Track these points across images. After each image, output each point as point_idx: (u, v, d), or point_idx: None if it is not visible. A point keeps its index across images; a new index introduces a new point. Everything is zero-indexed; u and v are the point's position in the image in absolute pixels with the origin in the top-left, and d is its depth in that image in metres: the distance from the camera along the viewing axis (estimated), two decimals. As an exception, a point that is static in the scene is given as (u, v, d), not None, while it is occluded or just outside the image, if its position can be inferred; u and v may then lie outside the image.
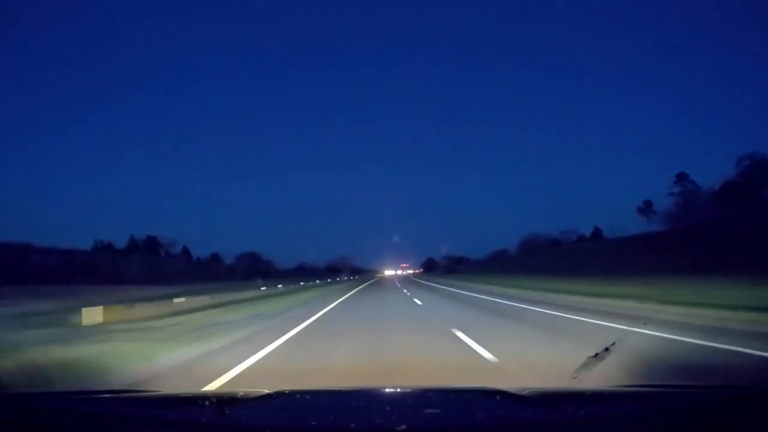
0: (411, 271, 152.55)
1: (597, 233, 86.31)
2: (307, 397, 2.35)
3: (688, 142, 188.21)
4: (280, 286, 41.57)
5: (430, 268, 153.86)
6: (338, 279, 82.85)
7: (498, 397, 2.13)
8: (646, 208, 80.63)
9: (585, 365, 4.43)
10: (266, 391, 2.23)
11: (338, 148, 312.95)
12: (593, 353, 4.64)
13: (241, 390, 2.47)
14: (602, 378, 4.53)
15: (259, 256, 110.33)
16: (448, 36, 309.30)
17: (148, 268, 65.28)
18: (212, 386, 5.56)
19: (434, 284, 50.40)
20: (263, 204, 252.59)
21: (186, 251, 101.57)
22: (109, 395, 2.47)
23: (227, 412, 1.84)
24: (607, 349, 4.87)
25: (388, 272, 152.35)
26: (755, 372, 5.95)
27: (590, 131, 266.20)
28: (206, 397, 2.34)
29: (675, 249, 40.11)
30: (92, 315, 14.96)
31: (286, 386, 2.59)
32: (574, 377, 4.17)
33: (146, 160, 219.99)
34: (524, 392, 2.11)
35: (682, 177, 70.93)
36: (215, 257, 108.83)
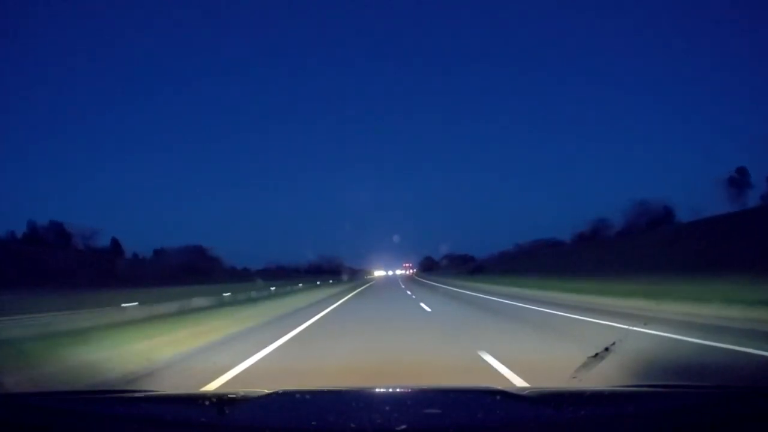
0: (411, 272, 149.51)
1: (668, 215, 61.60)
2: (307, 397, 2.35)
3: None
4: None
5: (429, 267, 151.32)
6: (332, 281, 66.67)
7: (498, 397, 2.14)
8: (740, 178, 58.45)
9: (585, 365, 4.40)
10: (266, 391, 2.23)
11: (328, 146, 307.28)
12: None
13: (241, 390, 2.47)
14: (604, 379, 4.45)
15: (204, 251, 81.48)
16: (446, 35, 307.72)
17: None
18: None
19: (509, 300, 21.29)
20: (251, 203, 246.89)
21: (116, 245, 76.54)
22: (109, 395, 2.48)
23: (227, 412, 1.85)
24: (607, 349, 4.79)
25: (378, 272, 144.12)
26: None
27: (631, 92, 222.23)
28: (206, 397, 2.34)
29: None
30: None
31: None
32: (574, 377, 4.15)
33: (135, 158, 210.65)
34: (524, 392, 2.12)
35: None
36: (159, 253, 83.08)
